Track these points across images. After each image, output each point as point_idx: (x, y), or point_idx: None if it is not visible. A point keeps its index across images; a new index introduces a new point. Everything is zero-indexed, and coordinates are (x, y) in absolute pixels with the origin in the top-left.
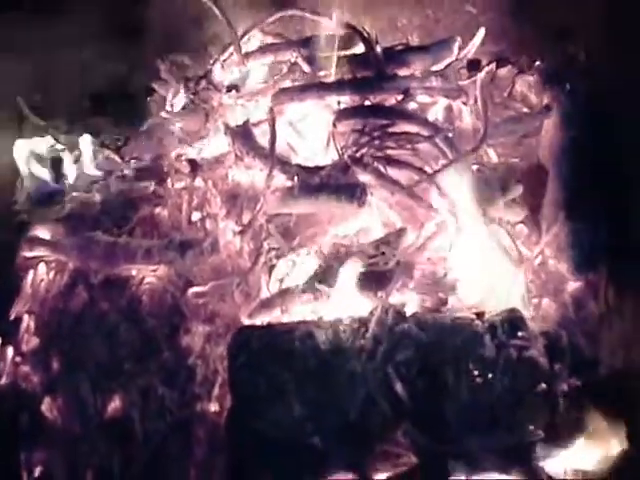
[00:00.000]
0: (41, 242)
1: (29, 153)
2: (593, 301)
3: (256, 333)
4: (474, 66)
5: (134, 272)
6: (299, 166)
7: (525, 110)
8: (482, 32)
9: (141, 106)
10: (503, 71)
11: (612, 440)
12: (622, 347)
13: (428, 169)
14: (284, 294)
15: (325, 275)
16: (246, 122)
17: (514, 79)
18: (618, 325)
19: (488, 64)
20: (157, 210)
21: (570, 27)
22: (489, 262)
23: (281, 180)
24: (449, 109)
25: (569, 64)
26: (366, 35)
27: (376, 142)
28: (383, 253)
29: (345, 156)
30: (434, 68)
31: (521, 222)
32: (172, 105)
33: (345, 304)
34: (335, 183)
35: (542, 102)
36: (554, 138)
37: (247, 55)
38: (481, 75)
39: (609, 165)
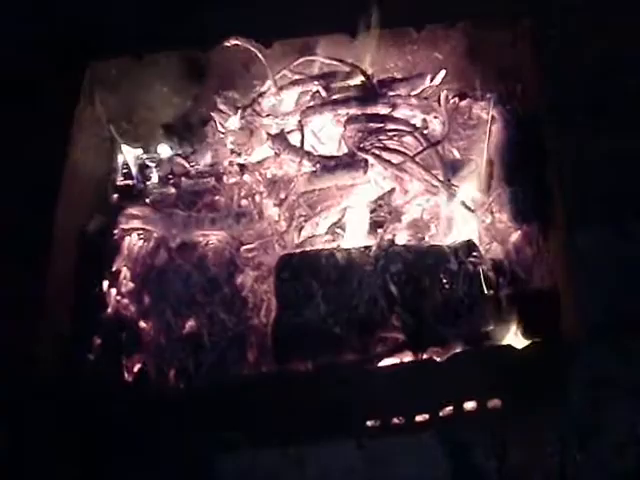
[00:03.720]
0: (134, 216)
1: (121, 160)
2: (528, 246)
3: (294, 256)
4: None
5: (201, 238)
6: (320, 156)
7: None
8: (442, 73)
9: (201, 131)
10: (463, 103)
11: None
12: (548, 274)
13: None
14: (312, 238)
15: (340, 224)
16: (282, 130)
17: (471, 108)
18: (545, 260)
19: (453, 97)
20: (216, 198)
21: (510, 68)
22: (455, 214)
23: (307, 167)
24: (424, 120)
25: (510, 94)
26: (365, 71)
27: (373, 136)
28: (380, 205)
29: (352, 147)
30: (412, 93)
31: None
32: (226, 127)
33: (355, 242)
34: (346, 161)
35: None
36: (498, 139)
37: (281, 88)
38: (445, 106)
39: (533, 152)
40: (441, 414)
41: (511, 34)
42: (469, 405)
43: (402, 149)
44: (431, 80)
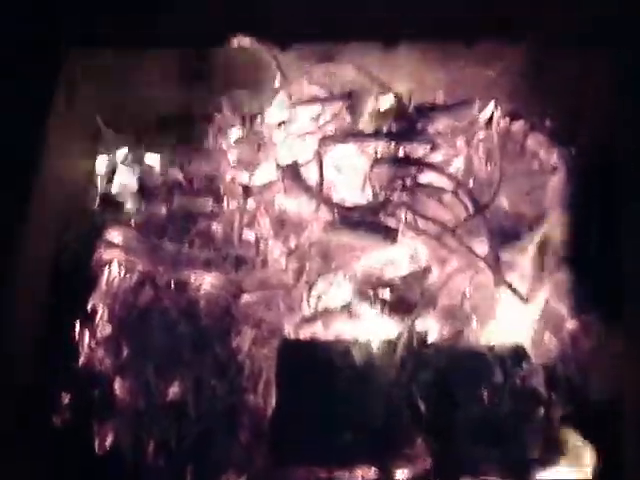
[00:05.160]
0: (115, 245)
1: (103, 166)
2: (586, 339)
3: (301, 345)
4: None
5: (192, 278)
6: (340, 204)
7: (535, 166)
8: (492, 104)
9: (201, 132)
10: (516, 126)
11: (597, 461)
12: (609, 379)
13: (452, 219)
14: (324, 312)
15: (359, 298)
16: (295, 163)
17: (526, 135)
18: (606, 360)
19: (503, 118)
20: (213, 225)
21: (577, 92)
22: (501, 300)
23: (324, 213)
24: (469, 161)
25: (575, 126)
26: (400, 97)
27: (407, 188)
28: (411, 286)
29: (379, 197)
30: (457, 124)
31: None
32: (230, 136)
33: (376, 325)
34: (372, 221)
35: (550, 159)
36: (558, 193)
37: (298, 102)
38: (496, 129)
39: (605, 221)
40: None
41: (581, 60)
42: None
43: (441, 213)
44: (479, 110)
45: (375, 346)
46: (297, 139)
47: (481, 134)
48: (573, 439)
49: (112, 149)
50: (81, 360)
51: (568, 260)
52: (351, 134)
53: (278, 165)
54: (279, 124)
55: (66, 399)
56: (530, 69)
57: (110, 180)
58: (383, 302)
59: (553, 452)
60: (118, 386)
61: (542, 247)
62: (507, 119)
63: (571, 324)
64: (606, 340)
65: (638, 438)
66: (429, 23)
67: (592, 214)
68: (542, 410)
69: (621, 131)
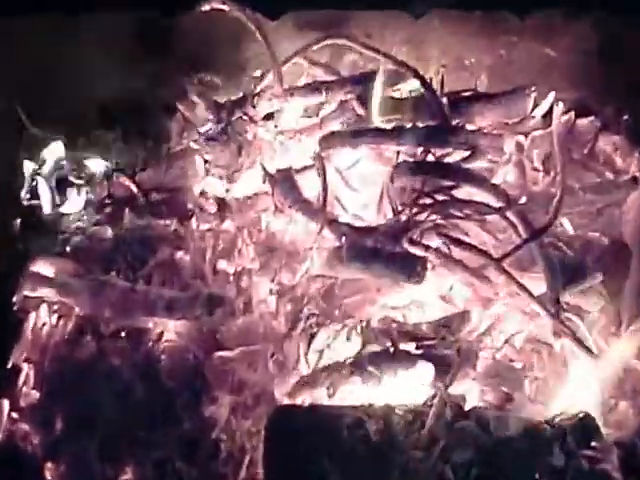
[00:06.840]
0: (45, 281)
1: (29, 171)
2: None
3: (298, 416)
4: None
5: (151, 325)
6: (349, 225)
7: (608, 175)
8: (552, 96)
9: (159, 126)
10: (583, 123)
11: None
12: None
13: (497, 246)
14: (329, 372)
15: (375, 355)
16: (288, 169)
17: (597, 134)
18: None
19: (566, 112)
20: (178, 254)
21: None
22: (563, 356)
23: (327, 238)
24: (521, 169)
25: None
26: (426, 81)
27: (438, 207)
28: (443, 338)
29: (401, 217)
30: (505, 120)
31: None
32: (199, 132)
33: (397, 389)
34: (391, 251)
35: (628, 169)
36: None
37: (292, 89)
38: (557, 128)
39: None
40: None
41: None
42: None
43: (483, 238)
44: (535, 102)
45: (397, 416)
46: (291, 138)
47: (537, 134)
48: None
49: (39, 151)
50: None
51: None
52: (363, 132)
53: (266, 172)
54: (267, 117)
55: None
56: (602, 47)
57: (37, 193)
58: (406, 358)
59: None
60: (49, 473)
61: (616, 284)
62: (571, 114)
63: None
64: None
65: None
66: None
67: None
68: None
69: None
